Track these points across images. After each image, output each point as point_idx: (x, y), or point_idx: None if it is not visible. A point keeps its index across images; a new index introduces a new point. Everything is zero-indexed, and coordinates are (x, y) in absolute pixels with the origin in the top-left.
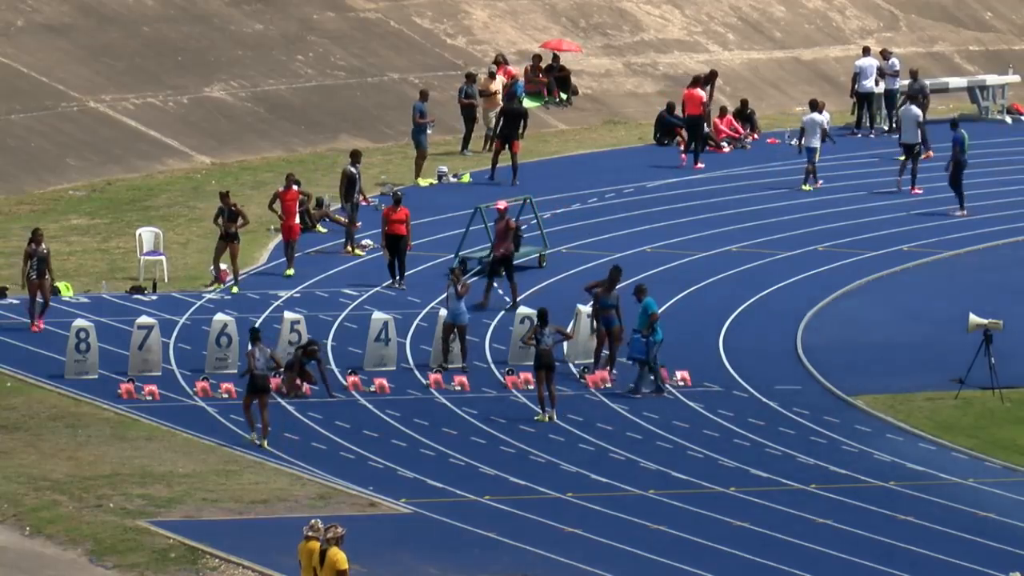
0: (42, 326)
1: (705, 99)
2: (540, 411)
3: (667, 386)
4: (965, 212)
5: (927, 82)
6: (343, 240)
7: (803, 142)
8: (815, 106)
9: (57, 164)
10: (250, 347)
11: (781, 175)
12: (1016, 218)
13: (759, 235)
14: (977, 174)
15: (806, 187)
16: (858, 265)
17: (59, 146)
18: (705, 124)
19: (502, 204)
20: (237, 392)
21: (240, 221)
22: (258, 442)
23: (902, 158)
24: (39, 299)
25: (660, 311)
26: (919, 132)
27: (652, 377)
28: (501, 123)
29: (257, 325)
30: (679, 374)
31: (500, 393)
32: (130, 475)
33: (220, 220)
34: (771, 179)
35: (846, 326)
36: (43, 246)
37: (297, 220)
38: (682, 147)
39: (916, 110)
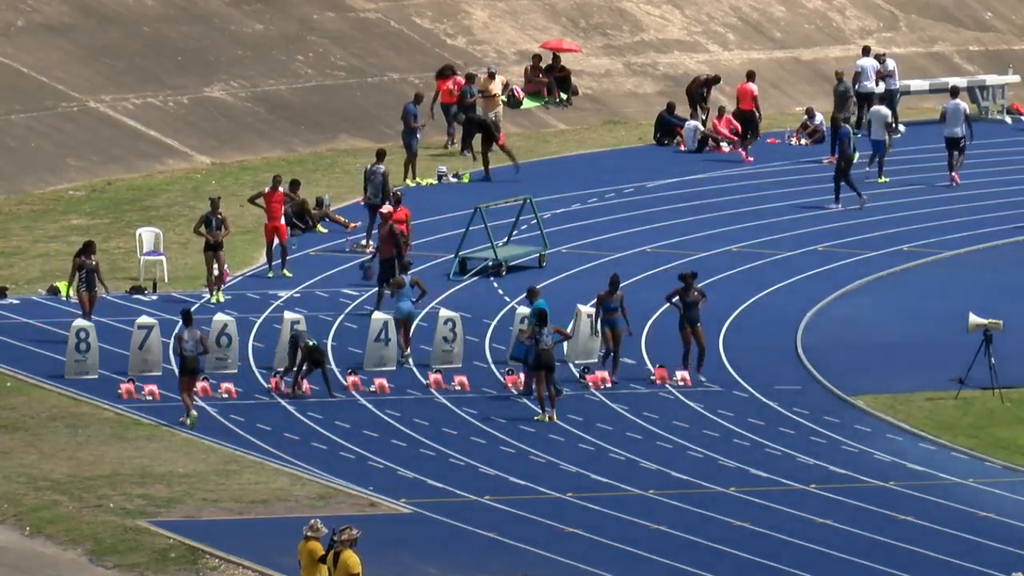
0: None
1: (756, 93)
2: (540, 411)
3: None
4: (865, 199)
5: (852, 85)
6: (344, 239)
7: (870, 135)
8: (881, 99)
9: (57, 164)
10: (180, 329)
11: (781, 175)
12: (1016, 218)
13: (759, 235)
14: (977, 174)
15: (882, 179)
16: (858, 265)
17: (59, 146)
18: (758, 119)
19: (386, 208)
20: (237, 392)
21: (224, 231)
22: (187, 421)
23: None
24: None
25: (661, 311)
26: (965, 126)
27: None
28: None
29: (192, 309)
30: (679, 374)
31: (500, 393)
32: (130, 475)
33: (204, 229)
34: (771, 179)
35: (846, 326)
36: (93, 259)
37: (283, 221)
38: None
39: (963, 105)
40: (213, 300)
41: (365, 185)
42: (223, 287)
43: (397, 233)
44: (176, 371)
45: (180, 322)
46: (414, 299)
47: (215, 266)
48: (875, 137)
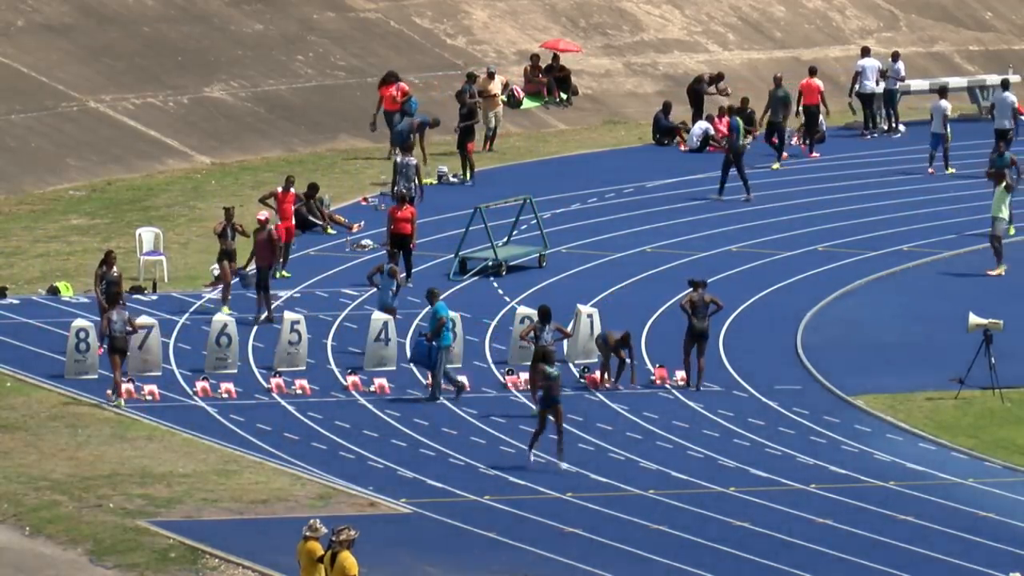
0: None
1: (823, 88)
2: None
3: (441, 393)
4: (751, 197)
5: (786, 90)
6: (343, 239)
7: (931, 128)
8: (943, 93)
9: (57, 164)
10: (109, 310)
11: (781, 175)
12: (1015, 218)
13: (759, 235)
14: (978, 174)
15: (950, 170)
16: (858, 265)
17: (59, 146)
18: (822, 114)
19: (263, 215)
20: (237, 392)
21: (241, 235)
22: (120, 402)
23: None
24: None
25: (661, 310)
26: (1013, 118)
27: (428, 382)
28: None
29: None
30: (679, 374)
31: (500, 393)
32: (130, 475)
33: (219, 237)
34: (771, 179)
35: (846, 326)
36: (115, 269)
37: (293, 222)
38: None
39: (1012, 98)
40: (226, 310)
41: (395, 177)
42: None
43: (275, 239)
44: (106, 351)
45: (107, 302)
46: (392, 290)
47: (230, 275)
48: (935, 130)
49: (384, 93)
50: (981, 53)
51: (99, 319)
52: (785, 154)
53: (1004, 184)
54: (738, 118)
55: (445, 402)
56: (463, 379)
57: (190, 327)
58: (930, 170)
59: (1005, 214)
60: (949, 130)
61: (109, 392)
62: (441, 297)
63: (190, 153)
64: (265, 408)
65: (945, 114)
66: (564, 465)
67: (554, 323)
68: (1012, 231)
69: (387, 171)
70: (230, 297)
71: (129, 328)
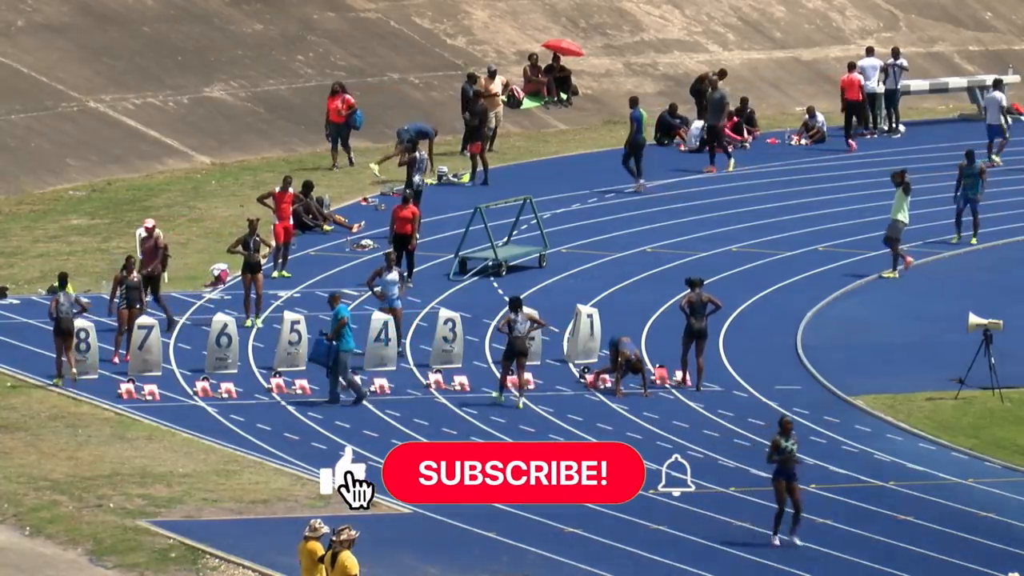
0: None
1: (863, 83)
2: (515, 395)
3: (343, 394)
4: (643, 183)
5: (723, 92)
6: (343, 239)
7: (987, 120)
8: (998, 85)
9: (57, 164)
10: (56, 292)
11: (781, 175)
12: (1016, 218)
13: (759, 235)
14: (995, 171)
15: (996, 159)
16: (858, 265)
17: (59, 146)
18: (866, 109)
19: (150, 222)
20: (237, 392)
21: (264, 250)
22: (57, 381)
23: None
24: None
25: (661, 310)
26: None
27: (342, 383)
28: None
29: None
30: (679, 374)
31: (500, 393)
32: (130, 475)
33: (242, 249)
34: (771, 179)
35: (846, 326)
36: (135, 275)
37: (291, 222)
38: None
39: None
40: (248, 323)
41: (410, 172)
42: (261, 310)
43: (162, 247)
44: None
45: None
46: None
47: (252, 288)
48: (990, 122)
49: (330, 105)
50: (981, 53)
51: (99, 319)
52: (731, 161)
53: (903, 186)
54: (642, 110)
55: (445, 402)
56: (366, 389)
57: (190, 327)
58: (995, 158)
59: (904, 217)
60: (1006, 121)
61: (68, 375)
62: (440, 297)
63: (190, 153)
64: (265, 408)
65: (1001, 105)
66: (799, 541)
67: (526, 312)
68: (975, 240)
69: (387, 171)
70: (257, 308)
71: (77, 309)
